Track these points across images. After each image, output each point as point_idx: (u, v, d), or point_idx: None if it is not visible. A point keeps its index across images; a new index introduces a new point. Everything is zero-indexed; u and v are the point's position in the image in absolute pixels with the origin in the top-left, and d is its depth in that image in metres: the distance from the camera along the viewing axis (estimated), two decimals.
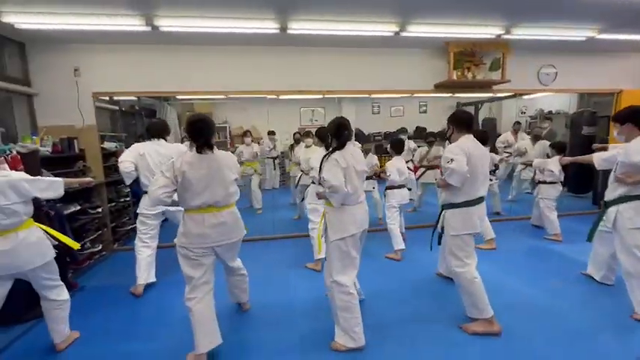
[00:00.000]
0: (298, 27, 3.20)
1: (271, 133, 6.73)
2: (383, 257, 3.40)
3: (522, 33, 3.58)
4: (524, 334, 2.09)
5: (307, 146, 4.03)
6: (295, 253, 3.59)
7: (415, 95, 7.14)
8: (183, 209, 1.89)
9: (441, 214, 2.20)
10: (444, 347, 2.01)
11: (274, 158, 6.70)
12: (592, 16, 3.25)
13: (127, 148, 4.90)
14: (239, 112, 8.17)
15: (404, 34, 3.39)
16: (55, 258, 2.03)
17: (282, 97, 7.11)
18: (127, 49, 3.61)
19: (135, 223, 3.12)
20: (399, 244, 3.33)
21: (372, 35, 3.43)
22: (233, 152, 5.47)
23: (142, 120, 6.06)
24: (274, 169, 6.80)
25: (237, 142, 6.73)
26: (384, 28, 3.30)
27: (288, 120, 8.53)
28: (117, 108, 5.20)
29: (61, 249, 2.18)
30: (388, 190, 3.47)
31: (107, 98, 4.87)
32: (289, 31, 3.26)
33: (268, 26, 3.16)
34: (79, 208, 3.27)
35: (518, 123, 6.35)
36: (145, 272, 2.82)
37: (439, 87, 4.19)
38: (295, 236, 4.10)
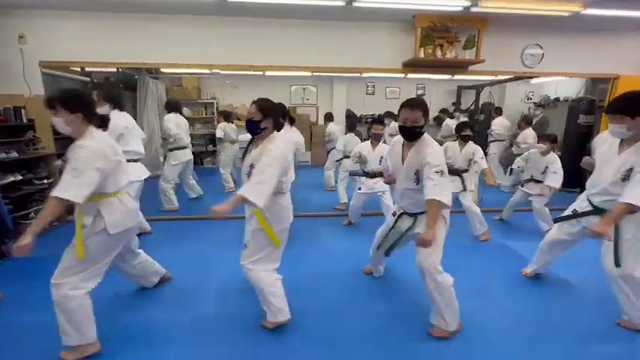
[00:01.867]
0: None
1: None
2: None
3: (495, 6, 3.21)
4: None
5: None
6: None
7: (410, 76, 6.83)
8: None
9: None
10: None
11: None
12: None
13: None
14: (229, 90, 8.05)
15: (357, 4, 3.10)
16: None
17: (268, 73, 6.95)
18: (80, 16, 3.46)
19: None
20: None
21: (321, 5, 3.16)
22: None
23: (119, 92, 6.01)
24: None
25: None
26: None
27: (279, 99, 8.31)
28: (88, 79, 5.15)
29: None
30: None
31: (79, 69, 4.86)
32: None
33: None
34: (20, 178, 3.28)
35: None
36: None
37: (408, 66, 3.88)
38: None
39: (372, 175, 3.02)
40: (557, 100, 7.05)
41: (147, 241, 3.22)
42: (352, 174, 3.52)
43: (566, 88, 6.90)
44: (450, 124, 6.48)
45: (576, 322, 2.13)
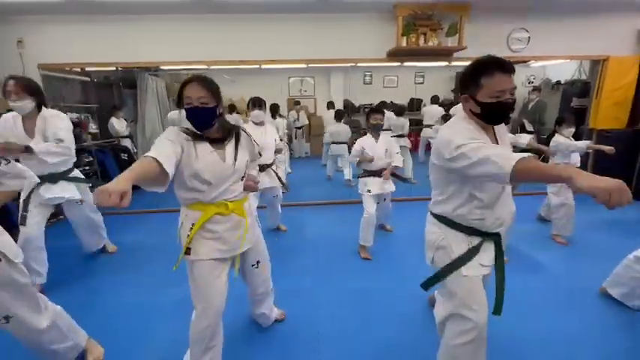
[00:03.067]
0: None
1: (297, 103, 7.48)
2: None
3: None
4: None
5: None
6: None
7: (406, 64, 6.80)
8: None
9: None
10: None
11: (300, 128, 7.43)
12: None
13: (98, 118, 5.24)
14: (227, 84, 8.18)
15: None
16: None
17: (264, 66, 7.07)
18: (76, 19, 3.63)
19: None
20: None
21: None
22: None
23: (119, 91, 6.24)
24: (302, 137, 7.65)
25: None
26: None
27: (277, 91, 8.45)
28: (88, 79, 5.36)
29: None
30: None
31: (78, 69, 5.06)
32: None
33: None
34: None
35: None
36: None
37: (391, 55, 3.93)
38: None
39: (379, 173, 2.77)
40: (558, 83, 6.93)
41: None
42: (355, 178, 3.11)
43: (570, 70, 6.76)
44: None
45: None
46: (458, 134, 1.20)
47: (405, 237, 3.23)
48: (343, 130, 5.11)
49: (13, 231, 3.25)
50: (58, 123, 2.30)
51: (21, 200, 2.31)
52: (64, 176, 2.42)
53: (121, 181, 0.96)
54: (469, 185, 1.28)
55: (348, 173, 5.14)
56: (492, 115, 1.24)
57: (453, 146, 1.16)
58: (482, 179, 1.18)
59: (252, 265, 1.70)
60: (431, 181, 1.43)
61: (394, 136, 4.78)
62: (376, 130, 2.81)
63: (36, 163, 2.18)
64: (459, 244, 1.35)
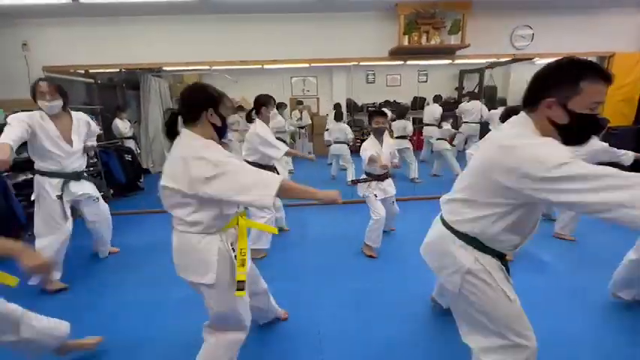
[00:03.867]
0: None
1: (300, 103, 7.43)
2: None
3: None
4: None
5: None
6: None
7: (409, 62, 6.78)
8: None
9: None
10: None
11: (302, 127, 7.40)
12: None
13: (102, 119, 5.28)
14: (230, 85, 8.20)
15: None
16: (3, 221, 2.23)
17: (266, 66, 7.10)
18: (80, 22, 3.67)
19: None
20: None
21: None
22: None
23: (123, 92, 6.28)
24: (305, 137, 7.63)
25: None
26: None
27: (280, 91, 8.46)
28: (92, 81, 5.40)
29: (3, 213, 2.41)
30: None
31: (82, 71, 5.11)
32: None
33: None
34: (31, 177, 3.53)
35: None
36: None
37: (394, 54, 3.91)
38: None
39: (383, 177, 2.74)
40: None
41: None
42: (355, 182, 2.93)
43: None
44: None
45: None
46: (552, 147, 0.95)
47: (408, 237, 3.22)
48: (343, 129, 5.17)
49: (21, 232, 3.31)
50: (92, 125, 2.60)
51: (35, 200, 2.41)
52: (82, 175, 2.56)
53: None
54: (524, 209, 1.09)
55: (351, 174, 5.15)
56: (583, 131, 1.01)
57: (555, 163, 0.89)
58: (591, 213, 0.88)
59: None
60: (462, 195, 1.22)
61: (397, 137, 4.97)
62: (379, 133, 2.74)
63: (68, 162, 2.37)
64: (495, 269, 1.21)
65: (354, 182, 2.88)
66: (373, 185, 2.77)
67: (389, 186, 2.83)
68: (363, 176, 2.85)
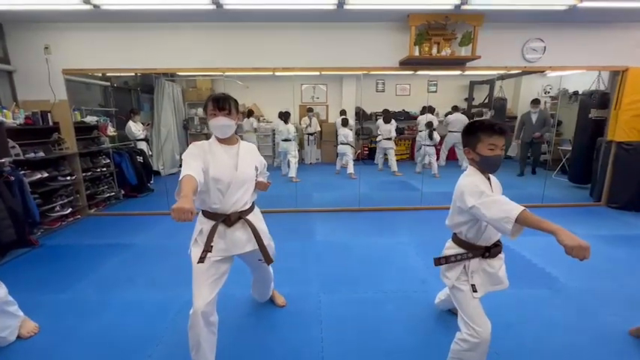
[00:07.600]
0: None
1: (310, 110, 7.69)
2: None
3: (485, 2, 3.23)
4: None
5: None
6: None
7: (419, 73, 6.82)
8: None
9: None
10: None
11: (312, 134, 7.59)
12: None
13: (117, 121, 5.41)
14: (241, 90, 8.34)
15: (347, 7, 3.22)
16: (15, 217, 2.33)
17: (277, 73, 7.22)
18: (99, 27, 3.78)
19: None
20: None
21: (313, 8, 3.30)
22: None
23: (137, 95, 6.44)
24: (314, 144, 7.79)
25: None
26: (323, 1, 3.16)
27: (290, 97, 8.57)
28: (108, 84, 5.55)
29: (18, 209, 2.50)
30: None
31: (99, 75, 5.26)
32: (225, 7, 3.24)
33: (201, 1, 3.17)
34: (46, 175, 3.65)
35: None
36: None
37: (404, 64, 3.95)
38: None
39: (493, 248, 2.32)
40: (576, 93, 6.80)
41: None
42: (441, 261, 1.63)
43: (588, 80, 6.63)
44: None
45: None
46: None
47: (411, 243, 3.21)
48: (347, 134, 6.48)
49: (33, 228, 3.39)
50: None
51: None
52: None
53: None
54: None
55: (350, 167, 6.38)
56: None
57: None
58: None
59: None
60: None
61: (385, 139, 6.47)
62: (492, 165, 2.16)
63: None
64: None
65: (440, 261, 1.54)
66: (473, 267, 1.49)
67: (500, 269, 1.54)
68: (452, 247, 1.56)
